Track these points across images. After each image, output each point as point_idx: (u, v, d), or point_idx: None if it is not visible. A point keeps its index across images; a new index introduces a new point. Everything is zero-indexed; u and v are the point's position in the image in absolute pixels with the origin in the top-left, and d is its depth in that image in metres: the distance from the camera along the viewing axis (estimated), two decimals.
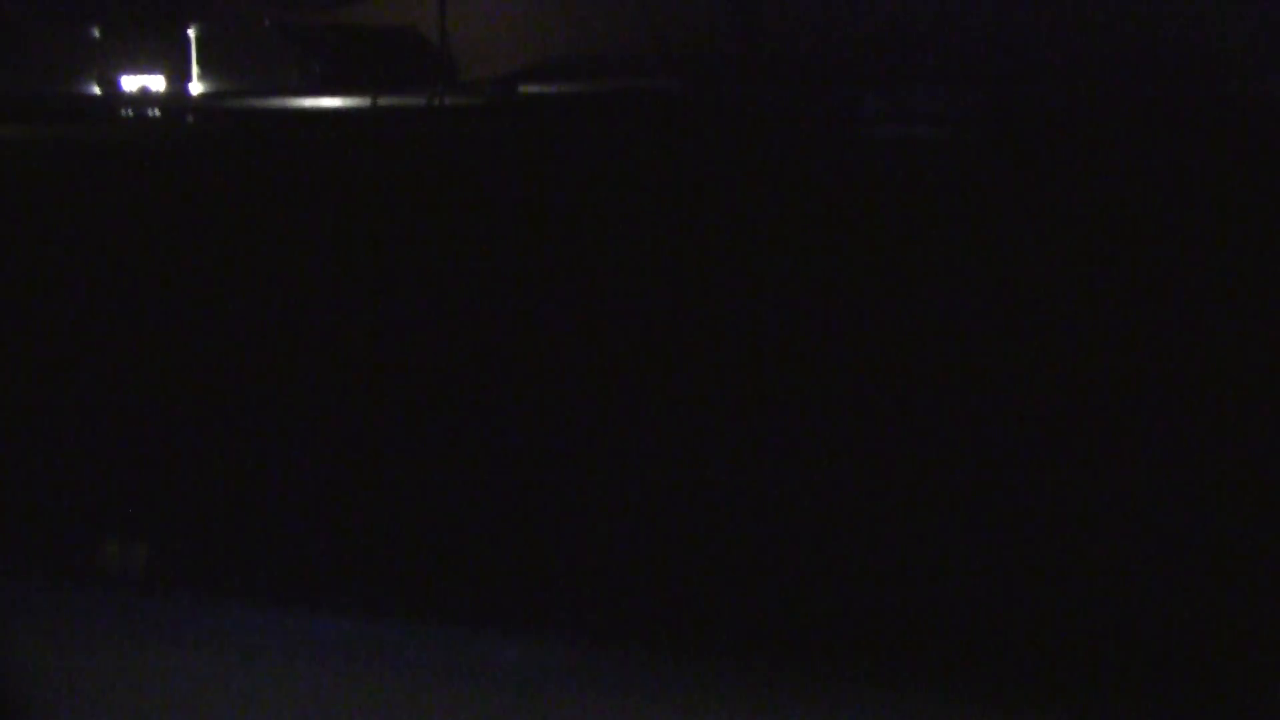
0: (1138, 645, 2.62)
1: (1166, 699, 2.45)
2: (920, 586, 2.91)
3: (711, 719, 2.48)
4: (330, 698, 2.63)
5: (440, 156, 5.99)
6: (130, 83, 9.77)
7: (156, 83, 9.78)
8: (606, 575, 3.01)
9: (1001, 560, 3.03)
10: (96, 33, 9.73)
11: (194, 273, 4.94)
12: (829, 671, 2.54)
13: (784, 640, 2.68)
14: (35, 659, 2.77)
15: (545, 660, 2.63)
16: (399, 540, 3.23)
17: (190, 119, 8.63)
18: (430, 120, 7.63)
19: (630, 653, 2.61)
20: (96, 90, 9.78)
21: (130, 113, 8.82)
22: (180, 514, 3.44)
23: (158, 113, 8.88)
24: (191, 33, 9.61)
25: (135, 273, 4.99)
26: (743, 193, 5.01)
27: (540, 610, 2.81)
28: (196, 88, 9.70)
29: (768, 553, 3.11)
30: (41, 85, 9.86)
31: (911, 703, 2.46)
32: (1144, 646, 2.61)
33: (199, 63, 9.58)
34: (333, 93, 8.77)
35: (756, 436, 3.79)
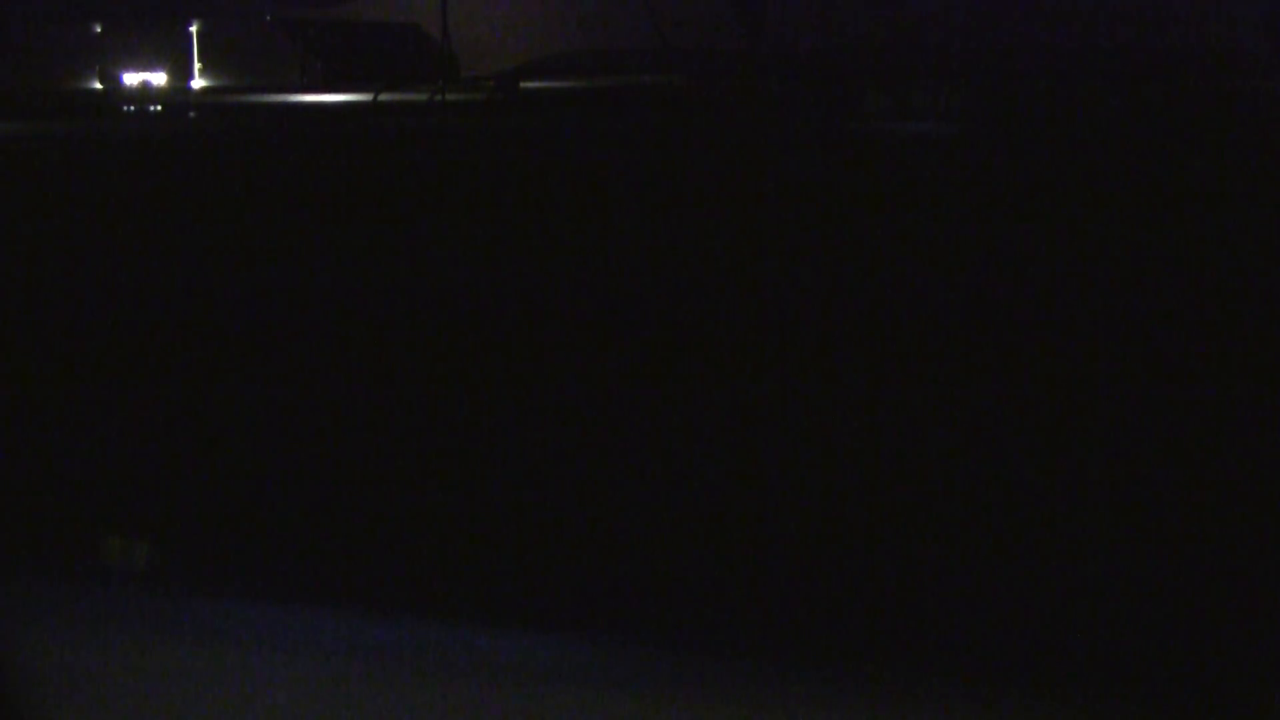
0: (1137, 645, 2.62)
1: (1166, 699, 2.45)
2: (920, 586, 2.91)
3: (713, 718, 2.48)
4: (330, 696, 2.63)
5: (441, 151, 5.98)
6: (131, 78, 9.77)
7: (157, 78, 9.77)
8: (606, 575, 3.01)
9: (1001, 560, 3.02)
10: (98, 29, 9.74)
11: (194, 266, 4.93)
12: (830, 671, 2.54)
13: (784, 640, 2.68)
14: (35, 657, 2.77)
15: (545, 660, 2.63)
16: (399, 540, 3.23)
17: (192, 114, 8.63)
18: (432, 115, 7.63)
19: (630, 653, 2.61)
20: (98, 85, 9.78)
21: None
22: (181, 512, 3.44)
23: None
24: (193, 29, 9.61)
25: (136, 266, 4.98)
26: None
27: (540, 610, 2.81)
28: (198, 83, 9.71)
29: (767, 552, 3.11)
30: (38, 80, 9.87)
31: (912, 703, 2.46)
32: (1143, 646, 2.61)
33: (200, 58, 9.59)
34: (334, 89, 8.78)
35: (758, 434, 3.78)
